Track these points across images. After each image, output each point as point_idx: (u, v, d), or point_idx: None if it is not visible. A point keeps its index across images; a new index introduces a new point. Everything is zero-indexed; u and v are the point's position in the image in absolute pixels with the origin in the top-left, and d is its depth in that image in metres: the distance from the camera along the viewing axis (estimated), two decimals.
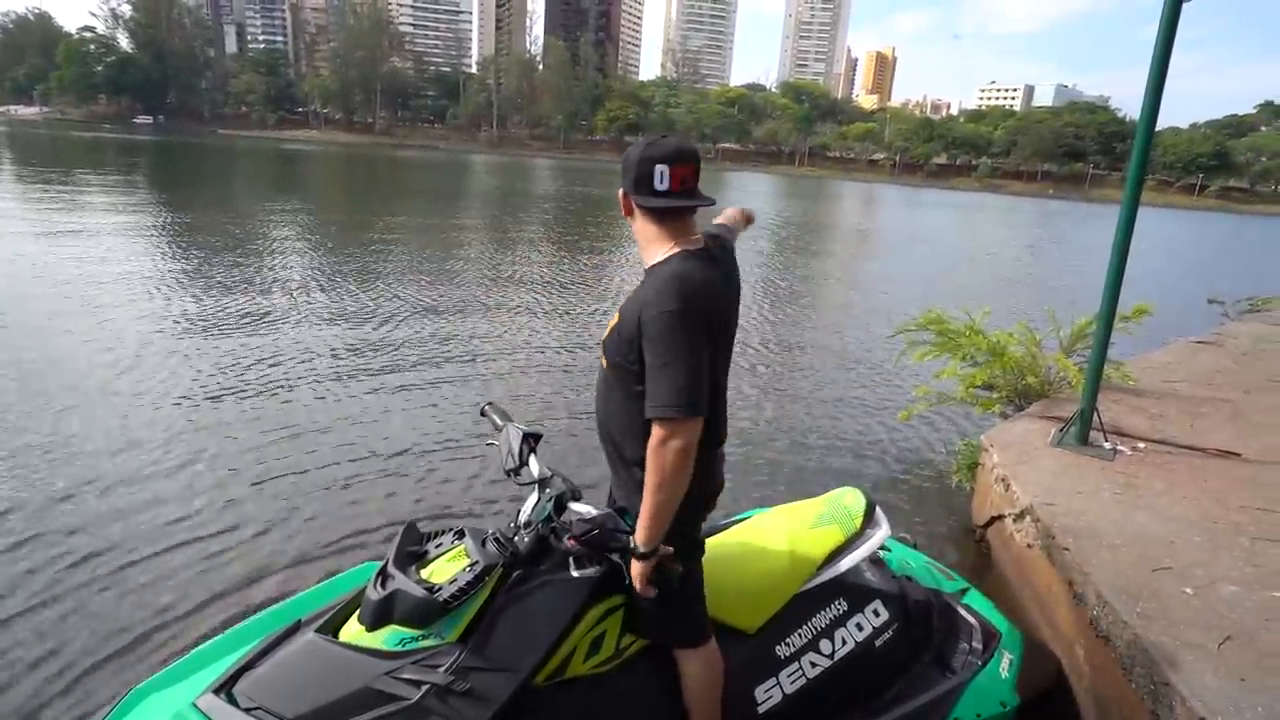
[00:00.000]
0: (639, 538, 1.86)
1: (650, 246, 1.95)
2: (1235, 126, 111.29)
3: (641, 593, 1.91)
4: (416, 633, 1.83)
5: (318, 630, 1.92)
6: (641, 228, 1.95)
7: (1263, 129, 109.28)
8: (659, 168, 1.83)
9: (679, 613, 2.01)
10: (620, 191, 1.95)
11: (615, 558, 1.96)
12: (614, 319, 1.95)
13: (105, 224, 14.50)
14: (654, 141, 1.88)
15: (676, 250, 1.91)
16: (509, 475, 2.08)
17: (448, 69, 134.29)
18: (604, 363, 1.98)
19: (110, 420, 5.27)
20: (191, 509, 4.20)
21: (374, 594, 1.84)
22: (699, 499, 1.99)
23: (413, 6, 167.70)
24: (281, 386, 6.21)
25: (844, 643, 2.39)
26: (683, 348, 1.76)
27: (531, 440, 2.14)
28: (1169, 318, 9.55)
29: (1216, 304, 11.17)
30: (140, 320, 7.87)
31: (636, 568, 1.89)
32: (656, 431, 1.77)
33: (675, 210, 1.89)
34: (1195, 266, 24.44)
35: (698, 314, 1.79)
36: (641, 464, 1.85)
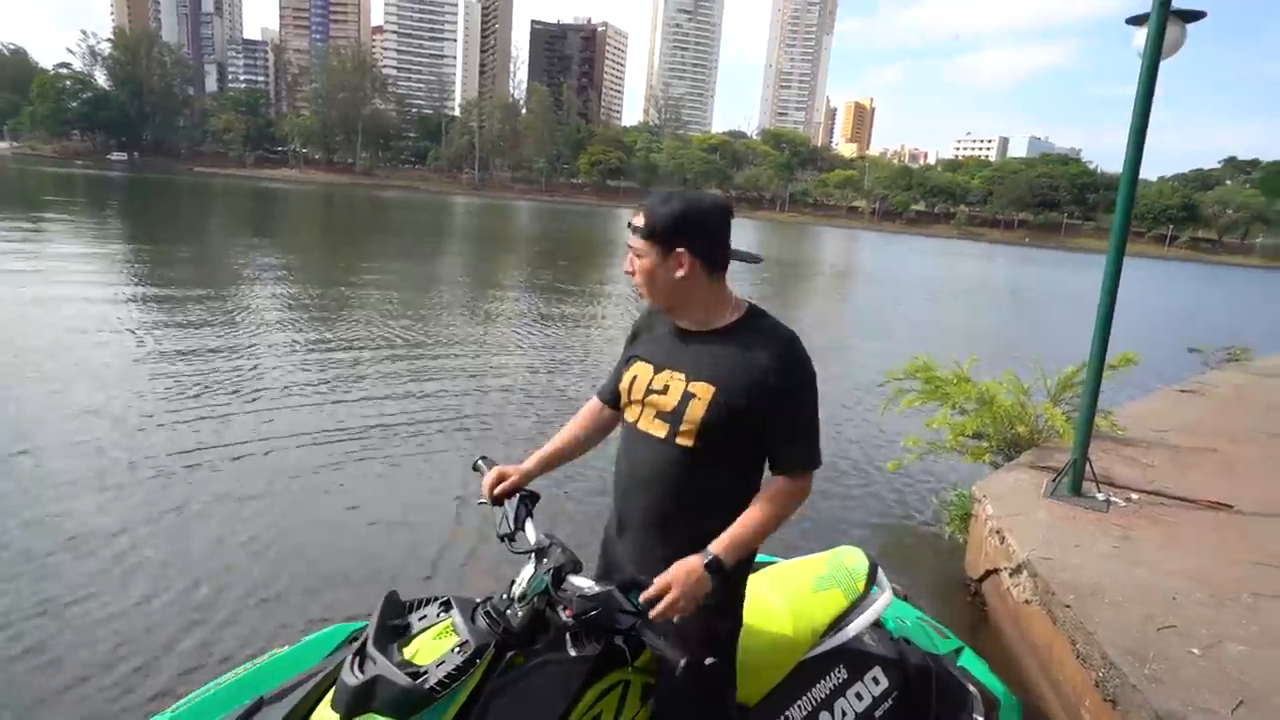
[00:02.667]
0: (722, 550, 1.71)
1: (718, 307, 1.83)
2: (1201, 180, 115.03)
3: (682, 610, 1.66)
4: None
5: (286, 717, 1.71)
6: (710, 289, 1.81)
7: (1227, 182, 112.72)
8: (730, 220, 1.81)
9: (716, 698, 1.86)
10: (668, 248, 1.75)
11: (618, 640, 1.81)
12: (701, 388, 1.77)
13: (64, 266, 14.26)
14: (710, 194, 1.83)
15: (746, 305, 1.85)
16: (503, 540, 1.91)
17: (430, 111, 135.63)
18: (687, 444, 1.78)
19: (78, 474, 5.07)
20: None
21: (351, 678, 1.64)
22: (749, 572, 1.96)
23: (397, 50, 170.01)
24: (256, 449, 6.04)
25: (844, 714, 2.27)
26: (816, 404, 1.80)
27: (529, 502, 1.96)
28: (1151, 366, 9.61)
29: (1196, 353, 11.33)
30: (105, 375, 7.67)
31: (698, 583, 1.66)
32: (791, 484, 1.79)
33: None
34: (1171, 315, 24.83)
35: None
36: (707, 537, 1.74)
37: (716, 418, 1.75)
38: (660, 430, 1.81)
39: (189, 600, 3.64)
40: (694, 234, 1.74)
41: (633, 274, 1.80)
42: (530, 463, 2.05)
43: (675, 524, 1.84)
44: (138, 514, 4.44)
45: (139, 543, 4.11)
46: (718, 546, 1.71)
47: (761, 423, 1.76)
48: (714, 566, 1.68)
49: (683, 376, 1.80)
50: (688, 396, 1.78)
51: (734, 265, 1.82)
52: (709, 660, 1.83)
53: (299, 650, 1.94)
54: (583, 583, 1.71)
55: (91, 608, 3.51)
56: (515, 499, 1.94)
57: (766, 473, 1.85)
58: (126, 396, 6.46)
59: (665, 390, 1.82)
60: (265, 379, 7.41)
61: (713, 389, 1.76)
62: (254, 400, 6.70)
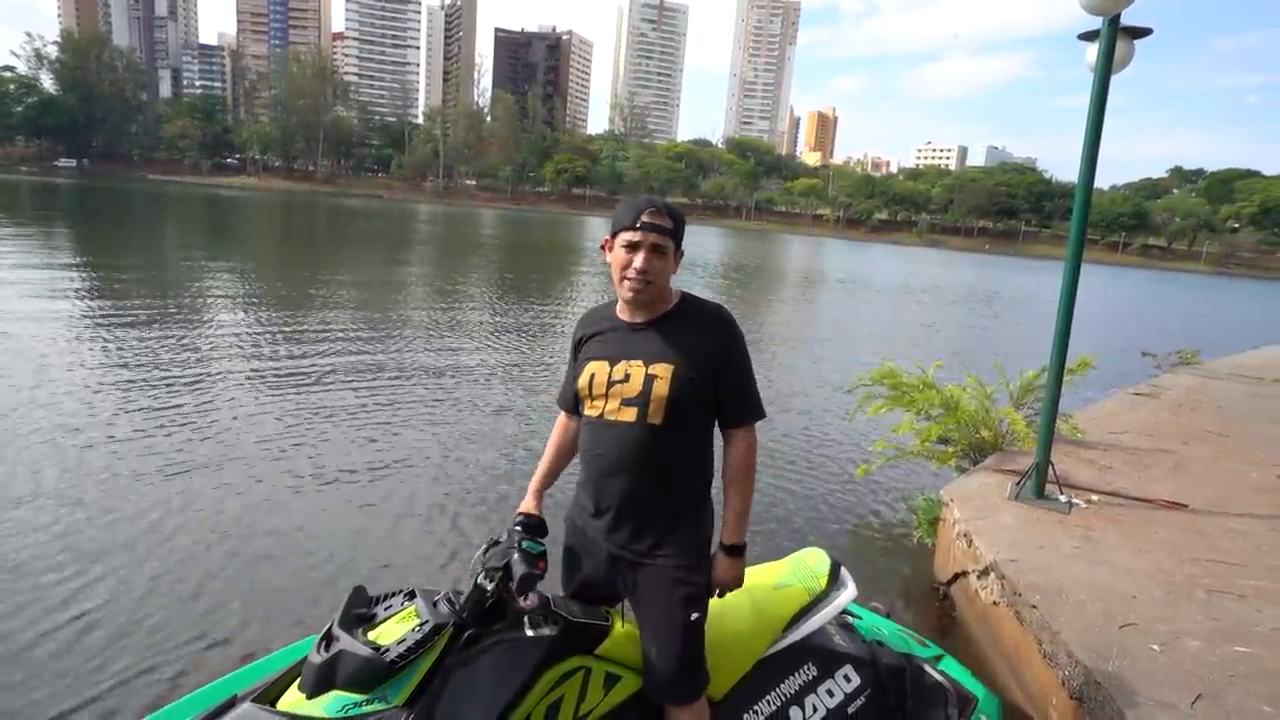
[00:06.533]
0: (736, 536, 2.05)
1: (669, 296, 2.05)
2: (1150, 189, 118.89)
3: (727, 589, 2.08)
4: (361, 698, 1.70)
5: (256, 699, 1.78)
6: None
7: (1174, 191, 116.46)
8: None
9: (693, 660, 1.98)
10: (677, 249, 2.00)
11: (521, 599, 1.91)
12: (661, 369, 1.94)
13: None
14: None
15: (680, 293, 2.09)
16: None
17: (393, 119, 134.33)
18: (656, 421, 1.94)
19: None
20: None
21: (317, 657, 1.74)
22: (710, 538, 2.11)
23: (358, 56, 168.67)
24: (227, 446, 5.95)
25: (815, 710, 2.31)
26: (750, 362, 2.06)
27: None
28: (1107, 370, 9.87)
29: (1149, 357, 11.68)
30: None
31: (734, 567, 2.06)
32: (746, 436, 2.03)
33: None
34: (1123, 319, 25.47)
35: None
36: (679, 502, 2.02)
37: (680, 392, 1.94)
38: (629, 415, 1.96)
39: None
40: (681, 233, 2.01)
41: (645, 272, 1.93)
42: (533, 499, 2.18)
43: (651, 498, 2.00)
44: None
45: None
46: (730, 535, 2.05)
47: (716, 388, 1.98)
48: (737, 550, 2.06)
49: (640, 363, 1.98)
50: (650, 379, 1.95)
51: (699, 272, 1.91)
52: (694, 616, 1.98)
53: (276, 657, 2.03)
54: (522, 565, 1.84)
55: None
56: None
57: (719, 448, 2.08)
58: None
59: (627, 379, 1.97)
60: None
61: (672, 367, 1.95)
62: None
